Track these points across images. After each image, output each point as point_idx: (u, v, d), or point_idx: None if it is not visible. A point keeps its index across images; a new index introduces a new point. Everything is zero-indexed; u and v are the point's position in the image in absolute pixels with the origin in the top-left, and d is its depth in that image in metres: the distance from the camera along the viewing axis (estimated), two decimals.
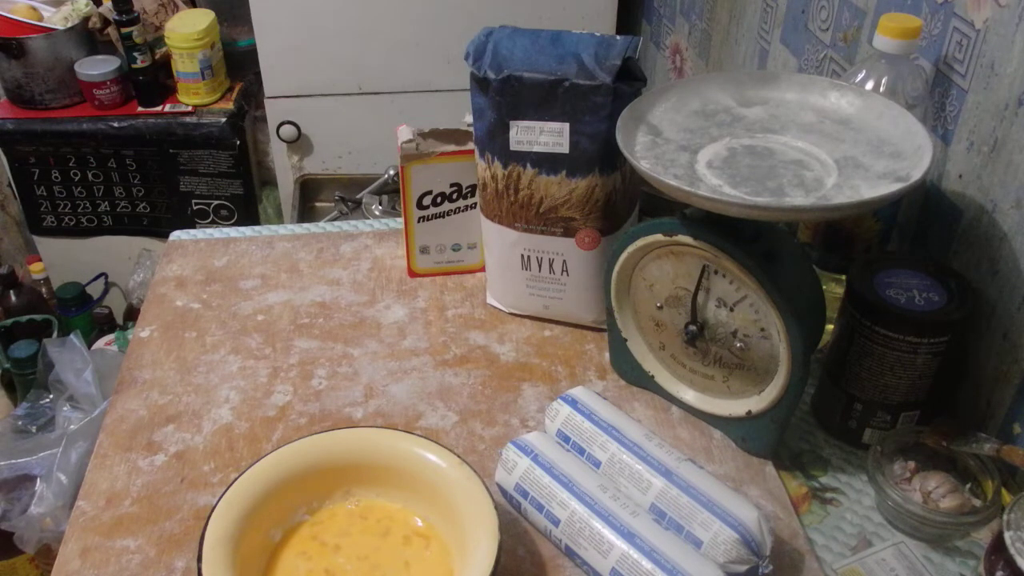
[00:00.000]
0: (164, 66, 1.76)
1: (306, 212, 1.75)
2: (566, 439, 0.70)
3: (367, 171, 1.73)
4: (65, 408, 1.24)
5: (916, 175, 0.62)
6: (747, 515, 0.61)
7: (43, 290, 1.92)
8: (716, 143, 0.69)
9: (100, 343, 1.72)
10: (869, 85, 0.75)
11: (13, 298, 1.80)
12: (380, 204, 1.54)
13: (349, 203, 1.57)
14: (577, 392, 0.72)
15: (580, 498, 0.63)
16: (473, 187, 0.90)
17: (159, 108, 1.74)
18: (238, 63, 1.83)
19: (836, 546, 0.68)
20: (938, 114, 0.79)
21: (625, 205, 0.82)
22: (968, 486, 0.68)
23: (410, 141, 0.87)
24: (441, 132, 0.87)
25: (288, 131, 1.74)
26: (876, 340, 0.69)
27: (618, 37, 0.76)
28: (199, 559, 0.57)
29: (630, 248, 0.73)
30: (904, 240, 0.85)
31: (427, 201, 0.91)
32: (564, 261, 0.84)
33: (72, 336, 1.32)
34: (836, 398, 0.75)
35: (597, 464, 0.68)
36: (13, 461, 1.19)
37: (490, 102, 0.77)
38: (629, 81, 0.75)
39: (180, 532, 0.67)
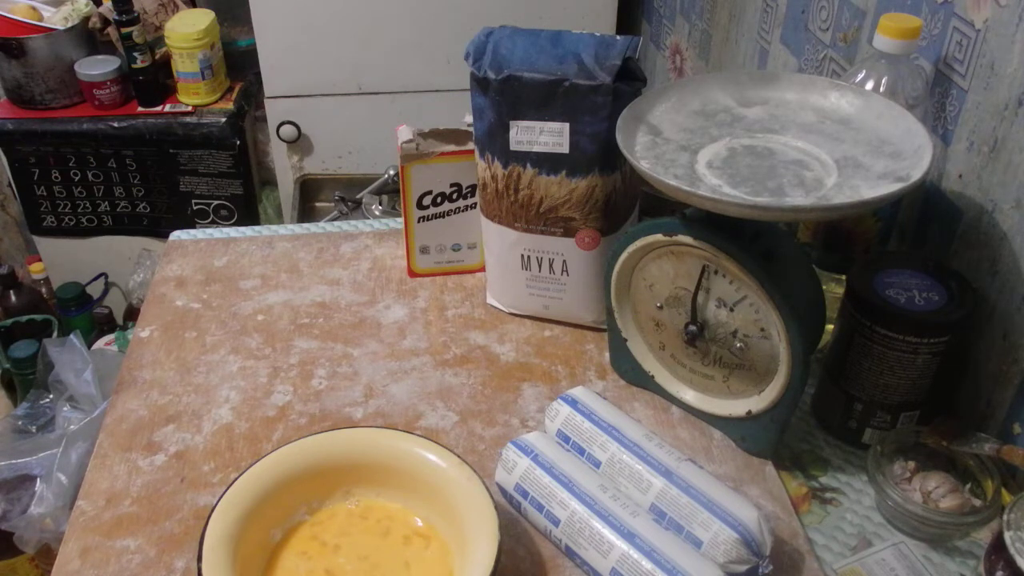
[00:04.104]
0: (164, 66, 1.76)
1: (306, 212, 1.75)
2: (566, 439, 0.70)
3: (367, 171, 1.73)
4: (65, 408, 1.24)
5: (916, 175, 0.62)
6: (747, 515, 0.61)
7: (43, 290, 1.92)
8: (716, 143, 0.69)
9: (100, 343, 1.72)
10: (869, 85, 0.75)
11: (13, 298, 1.80)
12: (380, 204, 1.54)
13: (349, 203, 1.57)
14: (577, 392, 0.72)
15: (580, 498, 0.63)
16: (473, 187, 0.90)
17: (159, 108, 1.74)
18: (238, 63, 1.83)
19: (836, 546, 0.68)
20: (938, 114, 0.79)
21: (625, 205, 0.82)
22: (968, 486, 0.68)
23: (410, 141, 0.87)
24: (441, 132, 0.87)
25: (288, 131, 1.74)
26: (876, 340, 0.69)
27: (618, 37, 0.76)
28: (199, 559, 0.57)
29: (630, 248, 0.73)
30: (904, 240, 0.85)
31: (427, 201, 0.91)
32: (564, 261, 0.84)
33: (72, 336, 1.32)
34: (836, 398, 0.75)
35: (597, 464, 0.68)
36: (13, 461, 1.19)
37: (490, 102, 0.77)
38: (629, 81, 0.75)
39: (180, 532, 0.67)
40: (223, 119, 1.73)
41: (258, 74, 1.72)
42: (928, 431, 0.70)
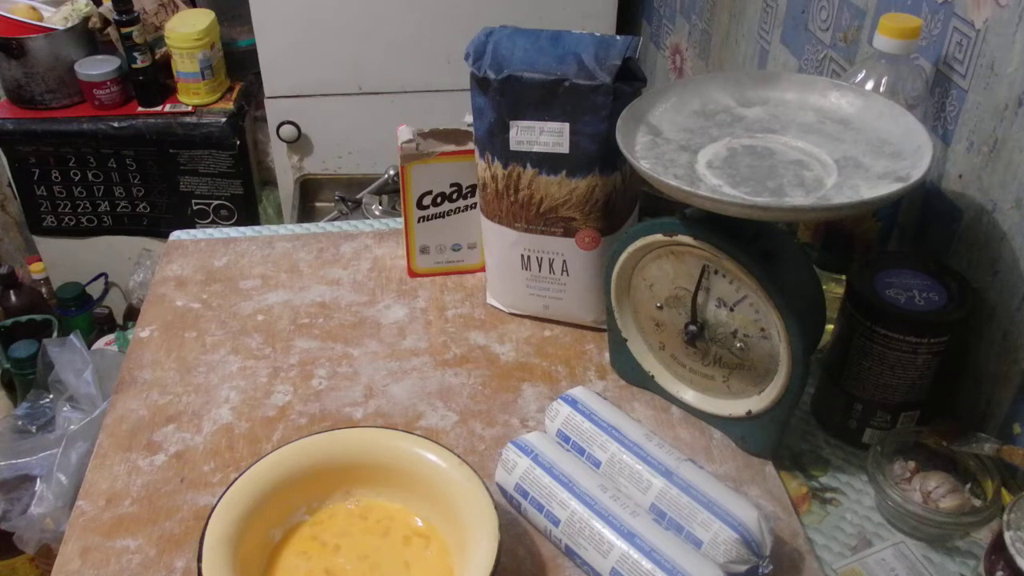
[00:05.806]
0: (164, 66, 1.76)
1: (306, 212, 1.75)
2: (566, 439, 0.70)
3: (367, 171, 1.73)
4: (65, 408, 1.24)
5: (916, 175, 0.62)
6: (747, 515, 0.61)
7: (43, 290, 1.92)
8: (716, 143, 0.69)
9: (100, 343, 1.72)
10: (869, 85, 0.75)
11: (13, 298, 1.80)
12: (380, 204, 1.54)
13: (349, 203, 1.57)
14: (577, 392, 0.72)
15: (580, 498, 0.63)
16: (473, 187, 0.90)
17: (159, 108, 1.74)
18: (238, 63, 1.83)
19: (836, 546, 0.68)
20: (938, 114, 0.79)
21: (625, 205, 0.82)
22: (968, 486, 0.68)
23: (410, 141, 0.87)
24: (441, 132, 0.87)
25: (288, 131, 1.74)
26: (876, 340, 0.69)
27: (618, 37, 0.76)
28: (199, 559, 0.57)
29: (630, 248, 0.73)
30: (904, 240, 0.85)
31: (427, 201, 0.91)
32: (564, 261, 0.84)
33: (72, 336, 1.32)
34: (836, 398, 0.75)
35: (597, 464, 0.68)
36: (13, 461, 1.19)
37: (490, 102, 0.77)
38: (629, 81, 0.75)
39: (180, 532, 0.67)
40: (223, 119, 1.73)
41: (258, 74, 1.72)
42: (928, 431, 0.70)
